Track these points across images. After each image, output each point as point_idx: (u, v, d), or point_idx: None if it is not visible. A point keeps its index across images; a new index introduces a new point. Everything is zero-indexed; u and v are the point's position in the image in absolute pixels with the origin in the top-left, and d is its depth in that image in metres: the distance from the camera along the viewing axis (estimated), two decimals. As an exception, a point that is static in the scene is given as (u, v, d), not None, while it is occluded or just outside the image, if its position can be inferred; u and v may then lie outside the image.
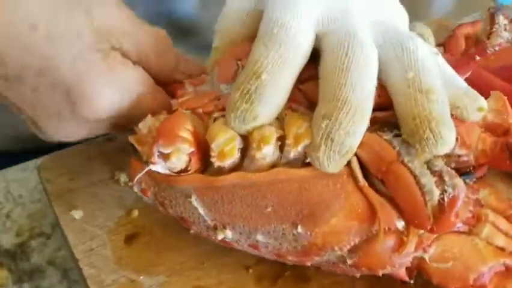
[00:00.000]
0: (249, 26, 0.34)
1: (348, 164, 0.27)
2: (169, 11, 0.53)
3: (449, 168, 0.27)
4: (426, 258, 0.28)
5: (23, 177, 0.44)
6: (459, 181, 0.26)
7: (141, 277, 0.32)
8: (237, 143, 0.28)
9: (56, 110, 0.32)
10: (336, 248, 0.28)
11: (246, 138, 0.29)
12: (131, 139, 0.31)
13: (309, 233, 0.28)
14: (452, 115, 0.28)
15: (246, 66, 0.29)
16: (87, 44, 0.31)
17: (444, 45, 0.47)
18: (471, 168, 0.30)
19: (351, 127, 0.26)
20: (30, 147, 0.47)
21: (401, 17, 0.35)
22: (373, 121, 0.28)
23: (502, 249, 0.29)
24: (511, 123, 0.31)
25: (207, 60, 0.36)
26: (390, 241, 0.27)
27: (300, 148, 0.28)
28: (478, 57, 0.35)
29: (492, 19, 0.36)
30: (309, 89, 0.30)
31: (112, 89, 0.31)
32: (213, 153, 0.28)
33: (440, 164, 0.27)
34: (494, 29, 0.35)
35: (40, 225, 0.40)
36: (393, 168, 0.27)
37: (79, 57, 0.30)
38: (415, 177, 0.26)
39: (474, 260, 0.28)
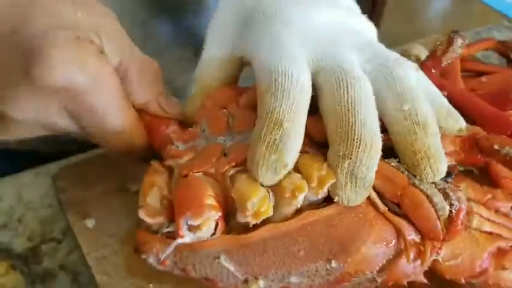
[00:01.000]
0: (226, 72, 0.35)
1: (369, 196, 0.29)
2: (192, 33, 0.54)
3: (447, 184, 0.30)
4: (440, 259, 0.30)
5: (34, 182, 0.45)
6: (460, 193, 0.29)
7: (150, 285, 0.33)
8: (271, 201, 0.29)
9: (12, 72, 0.30)
10: (367, 272, 0.30)
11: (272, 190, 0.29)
12: (141, 214, 0.30)
13: (342, 264, 0.29)
14: None
15: (261, 118, 0.29)
16: (64, 24, 0.30)
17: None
18: (450, 170, 0.32)
19: (369, 162, 0.28)
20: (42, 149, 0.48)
21: (372, 29, 0.37)
22: None
23: (491, 233, 0.32)
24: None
25: (184, 108, 0.36)
26: (413, 253, 0.30)
27: (325, 189, 0.29)
28: (433, 70, 0.38)
29: (450, 41, 0.40)
30: (308, 127, 0.30)
31: (72, 66, 0.29)
32: (247, 213, 0.28)
33: (441, 182, 0.29)
34: (450, 50, 0.38)
35: (51, 231, 0.41)
36: (408, 192, 0.29)
37: (52, 30, 0.29)
38: (427, 197, 0.29)
39: (476, 249, 0.31)
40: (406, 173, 0.30)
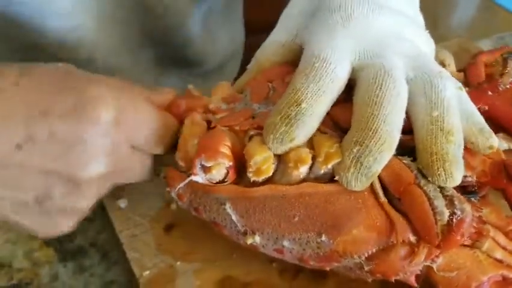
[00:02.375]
0: (284, 56, 0.38)
1: (372, 184, 0.31)
2: (176, 42, 0.57)
3: (459, 194, 0.30)
4: (434, 268, 0.31)
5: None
6: (467, 206, 0.30)
7: (178, 263, 0.36)
8: (273, 162, 0.31)
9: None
10: (355, 256, 0.31)
11: (280, 156, 0.31)
12: (178, 157, 0.34)
13: (331, 241, 0.31)
14: (465, 147, 0.32)
15: (287, 92, 0.32)
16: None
17: (465, 71, 0.50)
18: (475, 188, 0.33)
19: (378, 155, 0.29)
20: None
21: (429, 44, 0.39)
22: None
23: (501, 261, 0.32)
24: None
25: (238, 81, 0.39)
26: (404, 251, 0.30)
27: (330, 166, 0.31)
28: (490, 93, 0.38)
29: (505, 62, 0.40)
30: (336, 113, 0.33)
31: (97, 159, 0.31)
32: (250, 169, 0.31)
33: (451, 190, 0.30)
34: (506, 71, 0.38)
35: (83, 210, 0.44)
36: (410, 189, 0.30)
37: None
38: (429, 199, 0.30)
39: (476, 270, 0.31)
40: (415, 172, 0.31)
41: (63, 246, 0.41)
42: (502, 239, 0.33)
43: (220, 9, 0.64)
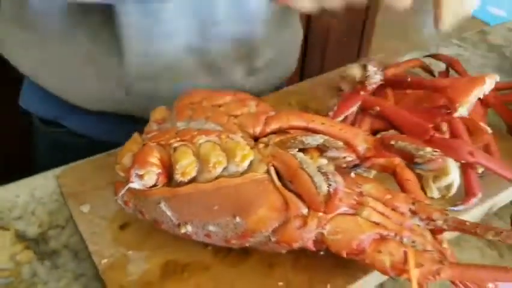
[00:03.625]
0: None
1: (268, 172, 0.39)
2: None
3: (333, 170, 0.39)
4: (325, 233, 0.39)
5: (43, 183, 0.55)
6: (338, 178, 0.39)
7: (130, 252, 0.44)
8: (195, 166, 0.39)
9: None
10: (263, 231, 0.39)
11: (200, 159, 0.39)
12: (117, 169, 0.42)
13: (244, 221, 0.39)
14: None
15: None
16: None
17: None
18: (359, 162, 0.42)
19: None
20: None
21: None
22: None
23: (377, 224, 0.39)
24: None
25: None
26: (299, 222, 0.38)
27: (245, 164, 0.39)
28: (362, 92, 0.47)
29: (365, 68, 0.50)
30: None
31: None
32: (177, 172, 0.39)
33: (326, 168, 0.39)
34: (367, 74, 0.48)
35: (57, 220, 0.51)
36: (297, 173, 0.39)
37: None
38: (311, 177, 0.38)
39: (356, 232, 0.39)
40: (299, 159, 0.39)
41: (40, 249, 0.49)
42: (379, 206, 0.41)
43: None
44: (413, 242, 0.39)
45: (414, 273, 0.37)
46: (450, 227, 0.41)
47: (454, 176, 0.50)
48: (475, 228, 0.40)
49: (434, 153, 0.41)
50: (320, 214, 0.39)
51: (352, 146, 0.42)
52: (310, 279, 0.42)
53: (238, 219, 0.39)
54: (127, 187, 0.39)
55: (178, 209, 0.40)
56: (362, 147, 0.42)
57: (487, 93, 0.52)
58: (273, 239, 0.40)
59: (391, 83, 0.57)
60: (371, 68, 0.52)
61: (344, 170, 0.42)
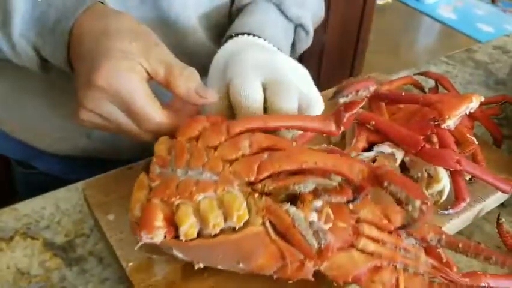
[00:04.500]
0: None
1: (263, 224, 0.42)
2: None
3: (323, 226, 0.43)
4: (322, 269, 0.43)
5: (68, 195, 0.60)
6: (329, 235, 0.42)
7: (154, 256, 0.48)
8: (196, 227, 0.41)
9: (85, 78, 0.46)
10: (266, 273, 0.43)
11: (201, 219, 0.41)
12: (130, 217, 0.43)
13: (247, 266, 0.43)
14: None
15: None
16: (122, 52, 0.46)
17: (369, 100, 0.65)
18: (356, 195, 0.45)
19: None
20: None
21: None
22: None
23: (372, 254, 0.43)
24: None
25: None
26: (296, 265, 0.42)
27: (241, 224, 0.41)
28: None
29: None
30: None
31: (112, 74, 0.45)
32: (180, 234, 0.41)
33: (317, 225, 0.42)
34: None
35: (82, 229, 0.56)
36: (290, 230, 0.42)
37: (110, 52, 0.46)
38: (303, 236, 0.42)
39: (350, 267, 0.43)
40: (292, 216, 0.42)
41: (68, 256, 0.54)
42: (375, 232, 0.44)
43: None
44: (406, 266, 0.44)
45: None
46: (443, 246, 0.46)
47: (444, 183, 0.55)
48: (467, 248, 0.46)
49: (422, 207, 0.41)
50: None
51: (348, 178, 0.44)
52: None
53: (241, 265, 0.43)
54: (140, 245, 0.42)
55: (187, 255, 0.43)
56: (357, 179, 0.44)
57: (473, 110, 0.57)
58: (275, 276, 0.44)
59: (386, 98, 0.62)
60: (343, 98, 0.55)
61: (340, 203, 0.45)
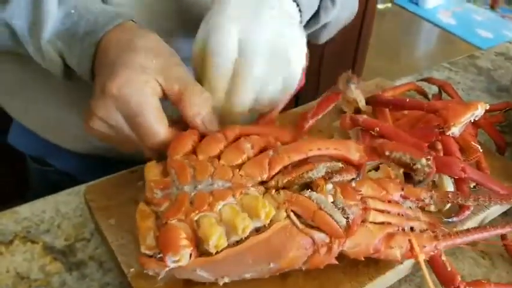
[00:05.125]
0: None
1: (288, 217, 0.42)
2: None
3: (348, 202, 0.44)
4: (346, 249, 0.44)
5: (68, 199, 0.59)
6: (355, 208, 0.44)
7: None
8: (224, 235, 0.40)
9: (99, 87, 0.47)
10: (296, 266, 0.44)
11: (228, 226, 0.41)
12: (143, 249, 0.42)
13: (278, 264, 0.43)
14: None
15: None
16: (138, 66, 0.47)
17: (371, 103, 0.65)
18: (358, 173, 0.47)
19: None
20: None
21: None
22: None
23: (383, 223, 0.45)
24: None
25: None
26: (324, 250, 0.43)
27: (269, 220, 0.42)
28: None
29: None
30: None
31: (125, 85, 0.46)
32: (210, 248, 0.40)
33: (341, 203, 0.44)
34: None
35: (82, 233, 0.55)
36: (317, 213, 0.43)
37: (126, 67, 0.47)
38: (331, 215, 0.43)
39: (369, 239, 0.45)
40: (315, 201, 0.43)
41: (68, 260, 0.53)
42: (379, 204, 0.46)
43: None
44: (412, 227, 0.47)
45: (422, 257, 0.45)
46: (436, 203, 0.50)
47: (449, 191, 0.55)
48: (456, 197, 0.49)
49: (429, 162, 0.46)
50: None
51: (348, 159, 0.47)
52: (322, 286, 0.47)
53: (272, 264, 0.43)
54: (165, 271, 0.41)
55: (214, 270, 0.43)
56: (356, 157, 0.47)
57: (478, 118, 0.56)
58: (303, 268, 0.44)
59: (390, 104, 0.62)
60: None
61: (345, 183, 0.46)
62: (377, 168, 0.56)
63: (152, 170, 0.48)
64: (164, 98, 0.49)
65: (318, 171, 0.46)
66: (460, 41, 3.23)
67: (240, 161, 0.46)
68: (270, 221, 0.42)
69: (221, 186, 0.44)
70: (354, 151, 0.47)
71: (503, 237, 0.56)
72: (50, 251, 0.54)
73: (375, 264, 0.49)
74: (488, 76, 0.93)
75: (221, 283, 0.43)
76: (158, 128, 0.48)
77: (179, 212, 0.42)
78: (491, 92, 0.88)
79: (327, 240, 0.43)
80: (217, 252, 0.41)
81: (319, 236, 0.43)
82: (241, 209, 0.42)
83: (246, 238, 0.42)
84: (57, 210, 0.58)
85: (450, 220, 0.54)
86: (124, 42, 0.49)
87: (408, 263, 0.50)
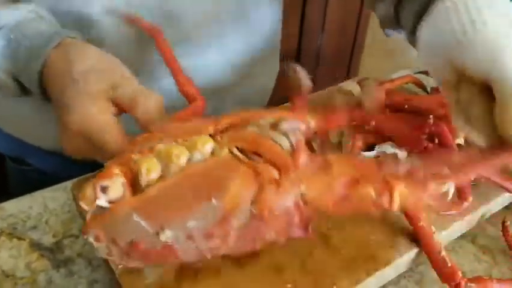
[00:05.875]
0: None
1: (231, 153, 0.40)
2: None
3: (290, 124, 0.41)
4: (303, 192, 0.38)
5: (55, 195, 0.58)
6: (298, 134, 0.41)
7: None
8: (159, 165, 0.38)
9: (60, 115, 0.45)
10: (242, 206, 0.38)
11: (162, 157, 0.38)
12: (83, 204, 0.38)
13: (221, 202, 0.37)
14: None
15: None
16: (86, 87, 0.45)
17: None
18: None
19: None
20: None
21: None
22: None
23: (345, 174, 0.39)
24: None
25: None
26: (273, 186, 0.38)
27: (207, 148, 0.39)
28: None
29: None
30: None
31: (83, 112, 0.44)
32: (141, 174, 0.37)
33: (285, 126, 0.41)
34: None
35: (70, 229, 0.54)
36: (258, 141, 0.40)
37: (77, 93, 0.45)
38: (272, 139, 0.40)
39: (331, 180, 0.39)
40: (256, 129, 0.41)
41: (56, 257, 0.51)
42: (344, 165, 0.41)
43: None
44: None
45: (401, 187, 0.38)
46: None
47: (449, 185, 0.53)
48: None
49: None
50: (292, 176, 0.39)
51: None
52: (317, 281, 0.45)
53: (214, 201, 0.37)
54: (95, 207, 0.37)
55: (151, 214, 0.37)
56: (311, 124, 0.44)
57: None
58: (254, 211, 0.38)
59: (389, 107, 0.60)
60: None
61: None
62: (374, 162, 0.54)
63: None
64: (120, 111, 0.47)
65: (266, 120, 0.43)
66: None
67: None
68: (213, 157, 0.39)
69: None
70: (309, 119, 0.44)
71: (504, 230, 0.54)
72: (37, 248, 0.52)
73: (374, 260, 0.47)
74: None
75: (162, 238, 0.37)
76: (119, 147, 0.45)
77: (121, 159, 0.39)
78: (489, 87, 0.87)
79: (275, 174, 0.39)
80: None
81: (264, 166, 0.39)
82: (182, 144, 0.40)
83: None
84: (45, 206, 0.57)
85: (449, 213, 0.52)
86: (62, 73, 0.47)
87: (407, 258, 0.49)
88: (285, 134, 0.41)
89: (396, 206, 0.38)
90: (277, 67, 0.86)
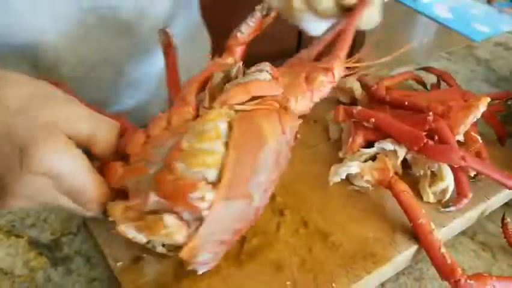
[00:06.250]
0: None
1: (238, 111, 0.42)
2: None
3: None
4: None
5: (55, 193, 0.58)
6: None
7: (144, 254, 0.46)
8: None
9: (10, 163, 0.36)
10: (279, 136, 0.42)
11: None
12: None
13: (267, 146, 0.40)
14: None
15: None
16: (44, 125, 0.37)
17: (367, 92, 0.63)
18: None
19: None
20: None
21: None
22: None
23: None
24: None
25: None
26: (283, 111, 0.44)
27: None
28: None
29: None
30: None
31: (51, 156, 0.36)
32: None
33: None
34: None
35: (69, 227, 0.54)
36: (248, 86, 0.44)
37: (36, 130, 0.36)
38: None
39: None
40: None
41: (54, 255, 0.51)
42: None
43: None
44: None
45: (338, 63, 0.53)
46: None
47: (448, 181, 0.53)
48: None
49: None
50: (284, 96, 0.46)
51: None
52: (316, 278, 0.45)
53: (264, 148, 0.40)
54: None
55: (237, 193, 0.39)
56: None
57: (479, 116, 0.55)
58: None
59: (388, 104, 0.60)
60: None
61: None
62: (373, 158, 0.54)
63: (115, 206, 0.42)
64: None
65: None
66: (456, 35, 3.21)
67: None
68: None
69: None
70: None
71: (504, 227, 0.54)
72: (35, 246, 0.52)
73: (373, 257, 0.47)
74: (487, 66, 0.91)
75: (256, 204, 0.40)
76: (92, 187, 0.41)
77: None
78: (490, 82, 0.86)
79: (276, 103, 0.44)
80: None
81: (269, 103, 0.44)
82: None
83: None
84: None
85: (448, 210, 0.52)
86: None
87: (407, 255, 0.49)
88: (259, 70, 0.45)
89: (337, 78, 0.51)
90: None
